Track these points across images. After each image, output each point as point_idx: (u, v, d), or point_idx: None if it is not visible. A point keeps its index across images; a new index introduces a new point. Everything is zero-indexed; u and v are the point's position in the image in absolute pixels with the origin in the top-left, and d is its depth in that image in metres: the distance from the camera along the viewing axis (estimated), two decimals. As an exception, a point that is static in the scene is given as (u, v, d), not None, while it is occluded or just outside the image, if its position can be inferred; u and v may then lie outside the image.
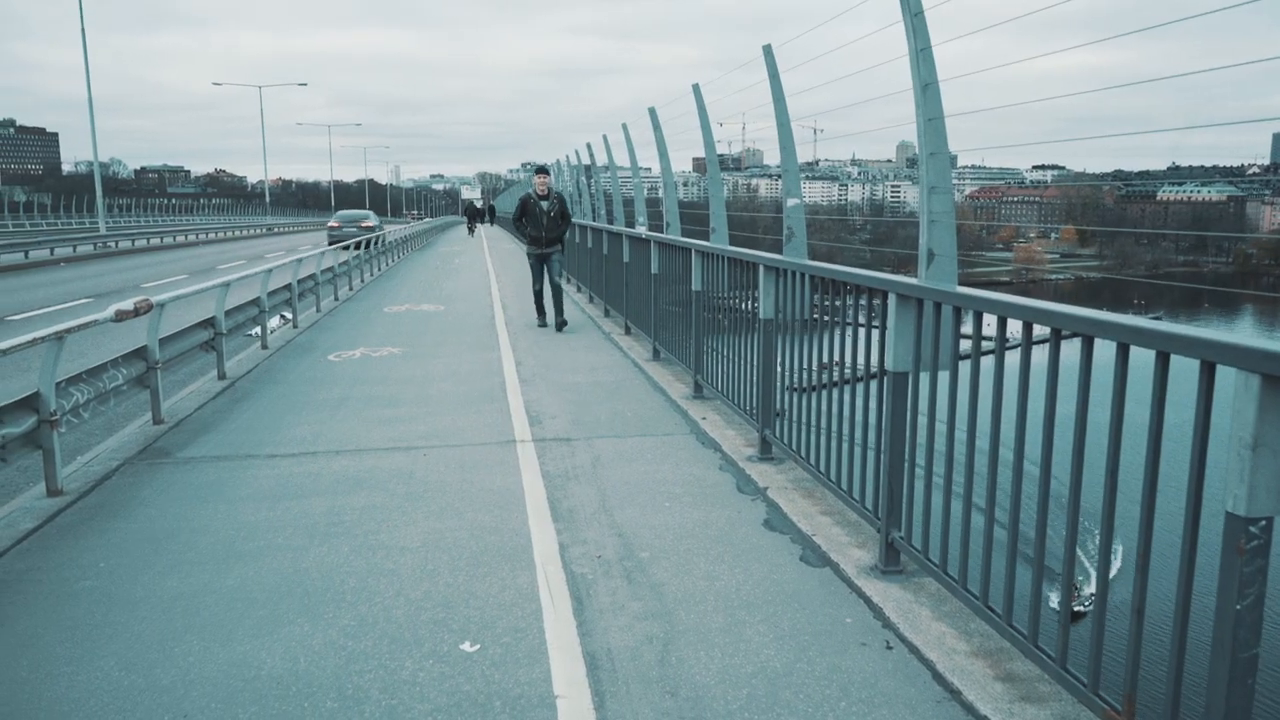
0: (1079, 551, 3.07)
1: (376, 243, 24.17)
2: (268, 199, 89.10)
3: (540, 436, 6.68)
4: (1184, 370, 2.53)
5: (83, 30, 36.51)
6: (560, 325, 11.97)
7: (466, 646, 3.54)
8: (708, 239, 7.93)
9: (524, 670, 3.37)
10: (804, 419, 5.29)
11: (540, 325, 12.37)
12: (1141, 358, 2.68)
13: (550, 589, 4.06)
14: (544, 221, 11.83)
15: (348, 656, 3.48)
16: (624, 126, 12.07)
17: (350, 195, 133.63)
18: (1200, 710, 2.39)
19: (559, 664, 3.41)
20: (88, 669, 3.41)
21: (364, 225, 34.51)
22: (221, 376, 9.08)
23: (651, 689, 3.23)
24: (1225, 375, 2.33)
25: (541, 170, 12.24)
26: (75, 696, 3.22)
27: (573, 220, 14.21)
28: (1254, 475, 2.22)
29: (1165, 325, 2.62)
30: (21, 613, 3.90)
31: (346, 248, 20.78)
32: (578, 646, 3.53)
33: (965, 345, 3.60)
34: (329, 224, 38.28)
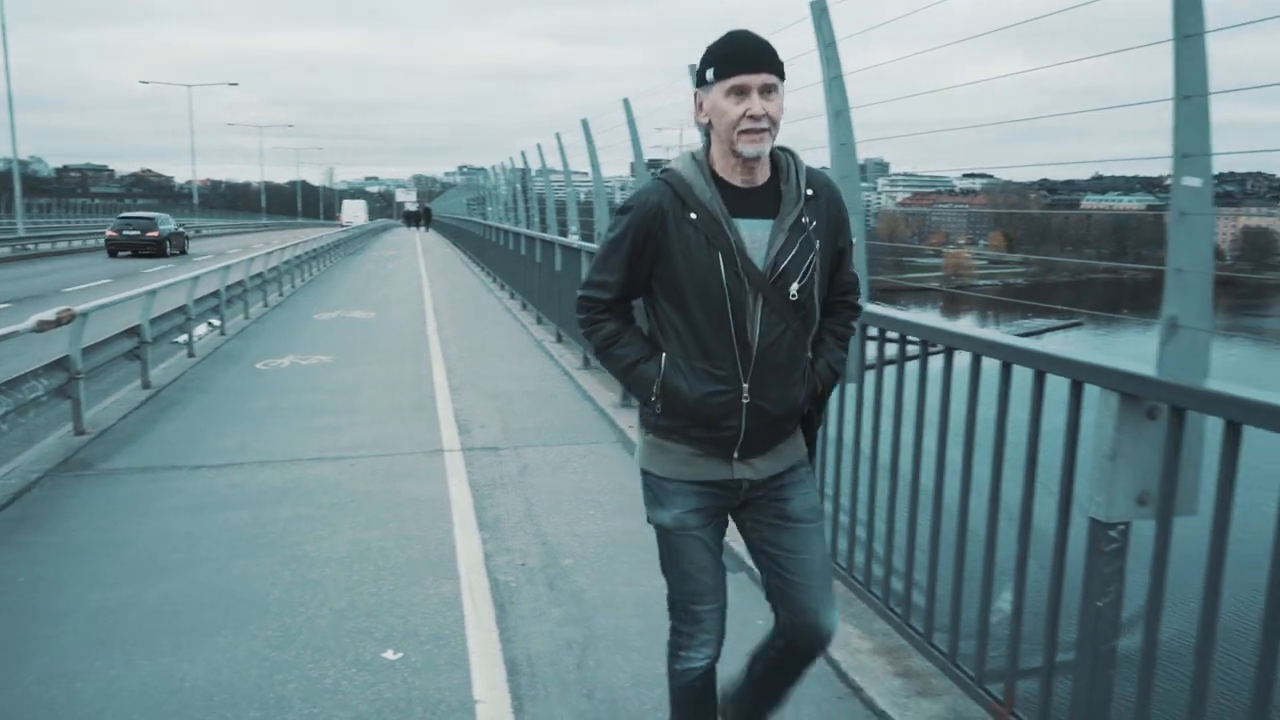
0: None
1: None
2: (195, 200, 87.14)
3: (469, 445, 6.76)
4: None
5: (2, 24, 35.41)
6: None
7: (389, 655, 3.63)
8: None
9: (445, 677, 3.47)
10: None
11: None
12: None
13: (474, 597, 4.16)
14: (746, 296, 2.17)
15: (271, 666, 3.54)
16: (557, 135, 12.18)
17: (282, 197, 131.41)
18: (1069, 698, 2.60)
19: (480, 670, 3.51)
20: (8, 684, 3.42)
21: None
22: (146, 385, 8.96)
23: (569, 692, 3.35)
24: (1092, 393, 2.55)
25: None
26: (-6, 711, 3.24)
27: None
28: (1113, 483, 2.43)
29: (1041, 346, 2.83)
30: (-62, 629, 3.88)
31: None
32: (499, 652, 3.64)
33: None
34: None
